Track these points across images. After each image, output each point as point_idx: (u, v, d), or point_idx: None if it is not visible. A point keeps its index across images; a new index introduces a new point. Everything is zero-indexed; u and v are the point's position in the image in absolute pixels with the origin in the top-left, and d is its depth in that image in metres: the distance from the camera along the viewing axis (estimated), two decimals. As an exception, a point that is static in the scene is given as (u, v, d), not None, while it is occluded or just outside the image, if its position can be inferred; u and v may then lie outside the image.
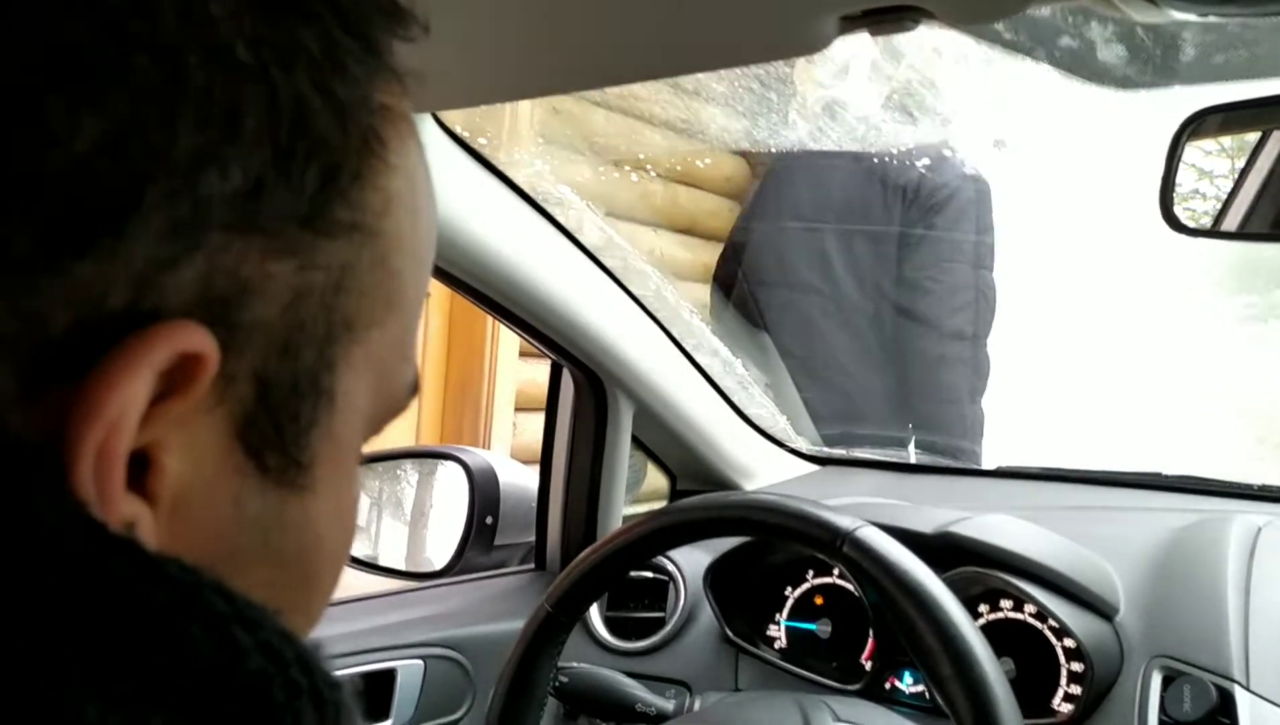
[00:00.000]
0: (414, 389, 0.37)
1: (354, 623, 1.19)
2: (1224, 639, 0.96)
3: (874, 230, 2.66)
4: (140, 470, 0.28)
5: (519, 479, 1.37)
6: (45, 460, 0.26)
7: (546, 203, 1.13)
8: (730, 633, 1.18)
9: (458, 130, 0.99)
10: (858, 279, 2.67)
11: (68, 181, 0.25)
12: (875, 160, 2.70)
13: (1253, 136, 1.04)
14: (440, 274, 1.05)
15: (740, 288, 2.81)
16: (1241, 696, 0.91)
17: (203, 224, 0.27)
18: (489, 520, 1.31)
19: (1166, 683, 0.95)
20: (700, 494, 1.02)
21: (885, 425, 2.66)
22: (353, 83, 0.30)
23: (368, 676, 1.14)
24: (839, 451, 1.65)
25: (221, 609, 0.27)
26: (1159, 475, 1.44)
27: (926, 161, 2.66)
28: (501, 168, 1.06)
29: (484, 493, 1.31)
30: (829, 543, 0.86)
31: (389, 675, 1.15)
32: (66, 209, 0.25)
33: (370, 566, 1.35)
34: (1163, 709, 0.94)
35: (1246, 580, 1.02)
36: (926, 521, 1.09)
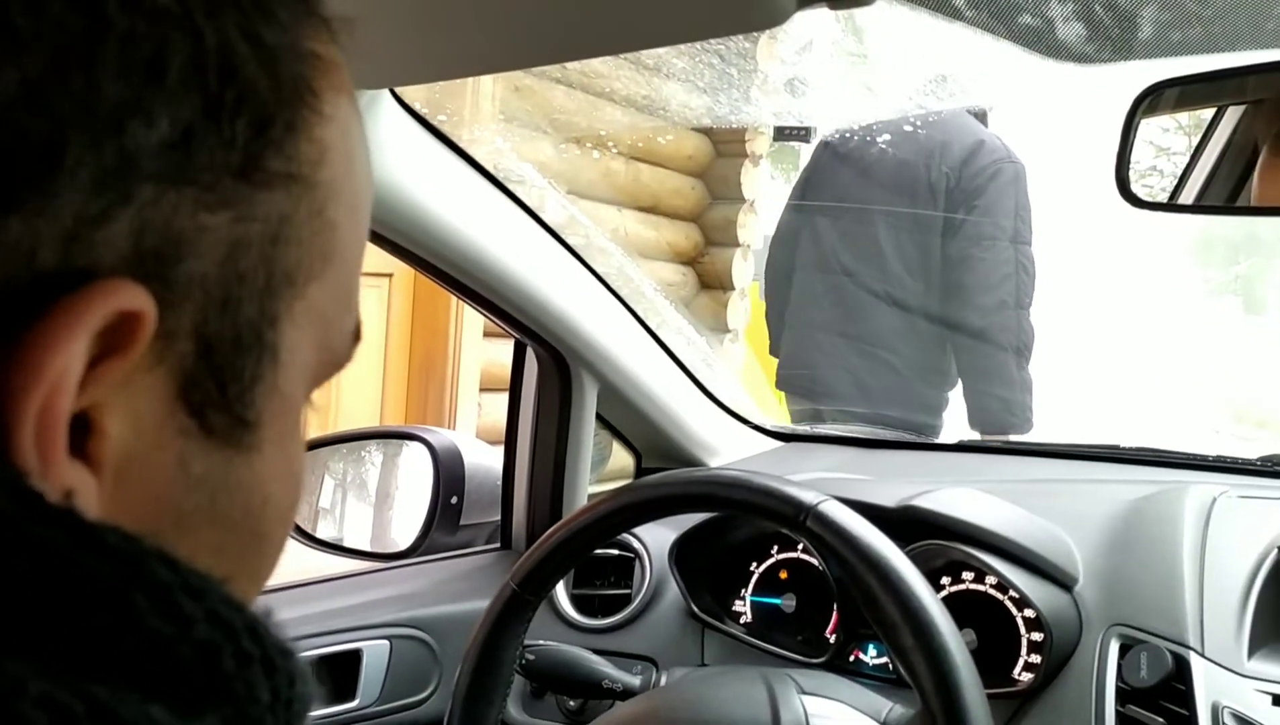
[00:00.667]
0: (356, 338, 0.36)
1: (319, 604, 1.19)
2: (1179, 607, 0.98)
3: (920, 214, 2.91)
4: (81, 435, 0.27)
5: (484, 458, 1.37)
6: None
7: (508, 181, 1.12)
8: (696, 608, 1.19)
9: (417, 107, 0.98)
10: (905, 262, 2.91)
11: None
12: (919, 148, 2.92)
13: (1208, 112, 1.05)
14: (402, 253, 1.05)
15: (799, 273, 3.07)
16: (1196, 662, 0.93)
17: (131, 176, 0.27)
18: (454, 500, 1.31)
19: (1124, 650, 0.97)
20: (665, 471, 1.02)
21: (929, 396, 2.97)
22: (281, 29, 0.30)
23: (333, 657, 1.14)
24: (802, 428, 1.66)
25: (166, 577, 0.27)
26: (1117, 448, 1.46)
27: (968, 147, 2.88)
28: (463, 145, 1.05)
29: (449, 472, 1.31)
30: (793, 517, 0.86)
31: (354, 656, 1.15)
32: None
33: (335, 548, 1.35)
34: (1120, 676, 0.96)
35: (1201, 549, 1.03)
36: (889, 495, 1.10)
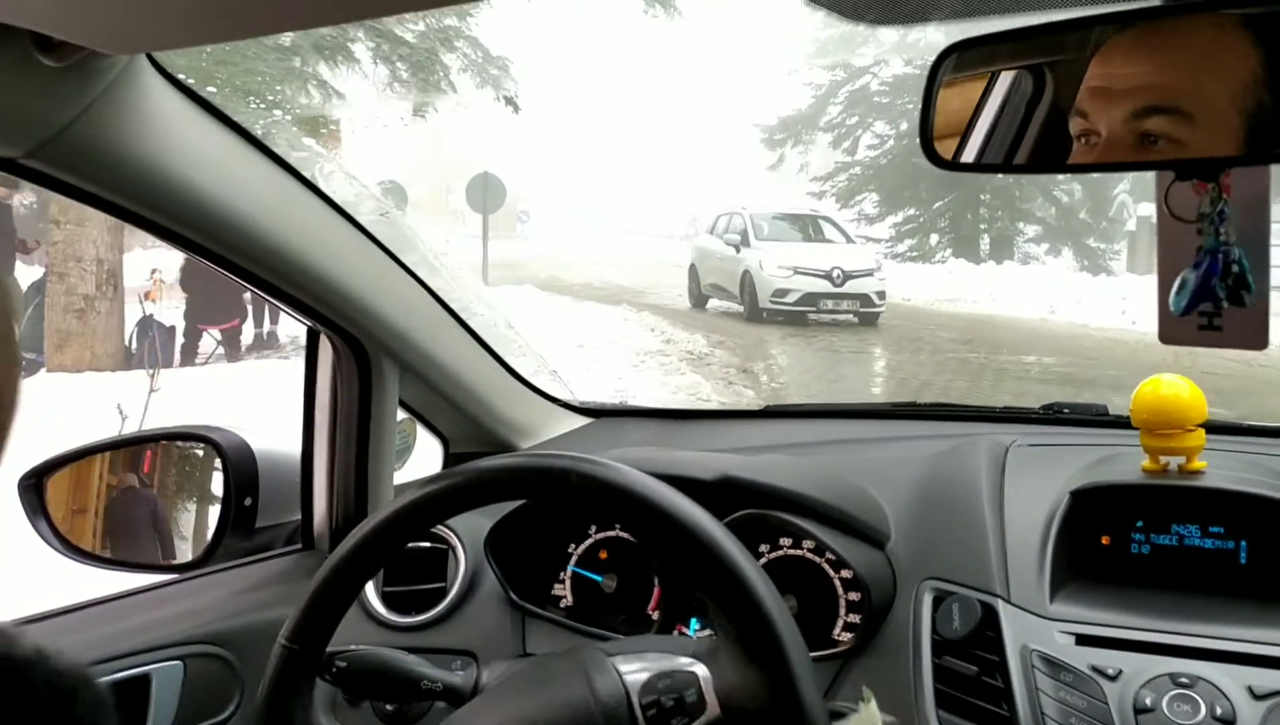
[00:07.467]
0: None
1: (101, 627, 1.08)
2: (984, 557, 1.01)
3: None
4: None
5: (277, 449, 1.27)
6: None
7: (290, 156, 1.04)
8: (514, 596, 1.15)
9: (181, 77, 0.89)
10: None
11: None
12: None
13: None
14: (173, 237, 0.95)
15: None
16: (1004, 610, 0.96)
17: None
18: (247, 502, 1.21)
19: (937, 603, 1.00)
20: (474, 459, 0.97)
21: None
22: None
23: (118, 685, 1.03)
24: (611, 403, 1.64)
25: None
26: (913, 405, 1.51)
27: None
28: (238, 119, 0.96)
29: (240, 472, 1.21)
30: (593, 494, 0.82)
31: (143, 681, 1.05)
32: None
33: (111, 562, 1.23)
34: (934, 628, 0.98)
35: (1000, 498, 1.07)
36: (706, 468, 1.09)
